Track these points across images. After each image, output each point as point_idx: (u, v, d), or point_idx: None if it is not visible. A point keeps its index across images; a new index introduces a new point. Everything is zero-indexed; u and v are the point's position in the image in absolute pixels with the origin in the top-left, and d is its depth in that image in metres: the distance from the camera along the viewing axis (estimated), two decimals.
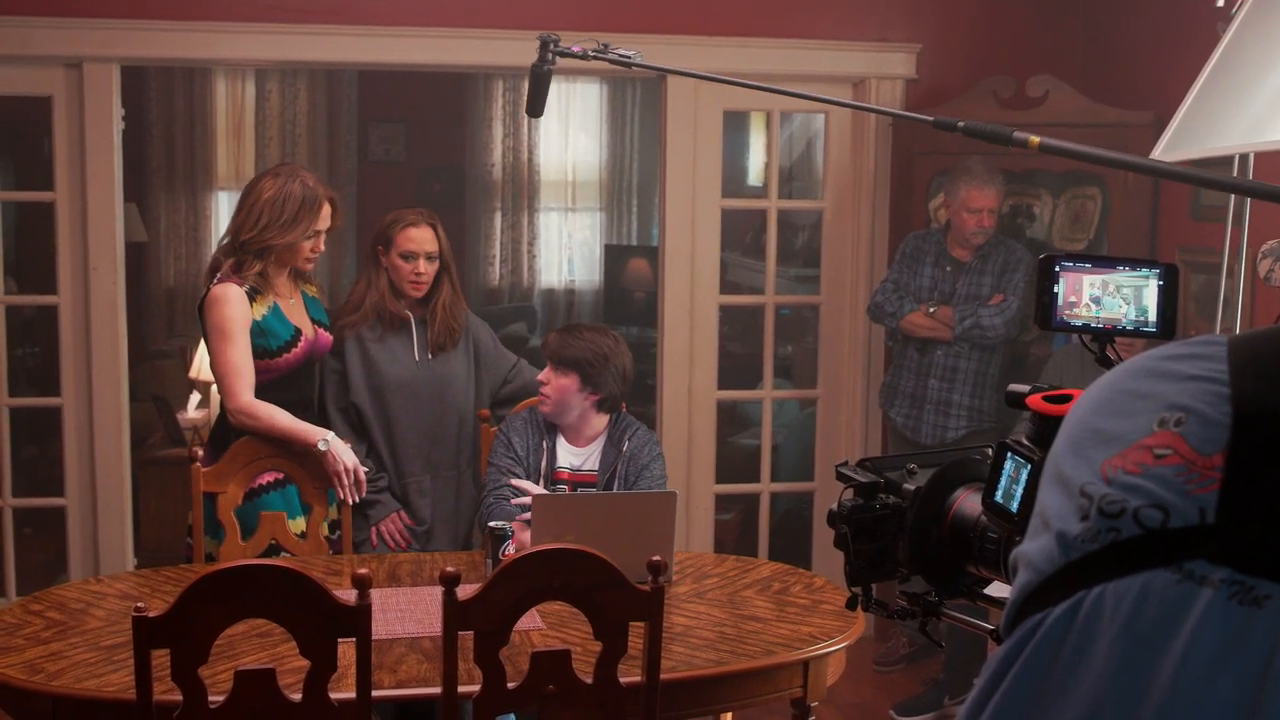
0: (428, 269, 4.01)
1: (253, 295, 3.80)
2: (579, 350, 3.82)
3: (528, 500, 3.58)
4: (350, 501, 3.87)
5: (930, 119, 2.62)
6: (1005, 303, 4.75)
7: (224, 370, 3.78)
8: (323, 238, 3.90)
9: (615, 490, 3.83)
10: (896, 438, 5.07)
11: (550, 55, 3.10)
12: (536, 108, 3.23)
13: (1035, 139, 2.35)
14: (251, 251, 3.79)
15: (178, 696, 2.53)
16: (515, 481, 3.78)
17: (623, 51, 3.03)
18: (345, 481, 3.82)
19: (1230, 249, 3.74)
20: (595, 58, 3.01)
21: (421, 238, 4.00)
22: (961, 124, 2.50)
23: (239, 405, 3.77)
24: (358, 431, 4.03)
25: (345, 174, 9.11)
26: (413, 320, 4.07)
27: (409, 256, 3.99)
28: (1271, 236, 3.83)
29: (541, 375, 3.90)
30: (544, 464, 3.85)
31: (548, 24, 5.07)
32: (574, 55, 3.03)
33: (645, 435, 3.95)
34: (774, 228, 5.56)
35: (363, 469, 3.87)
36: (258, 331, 3.80)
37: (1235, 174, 3.57)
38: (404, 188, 9.22)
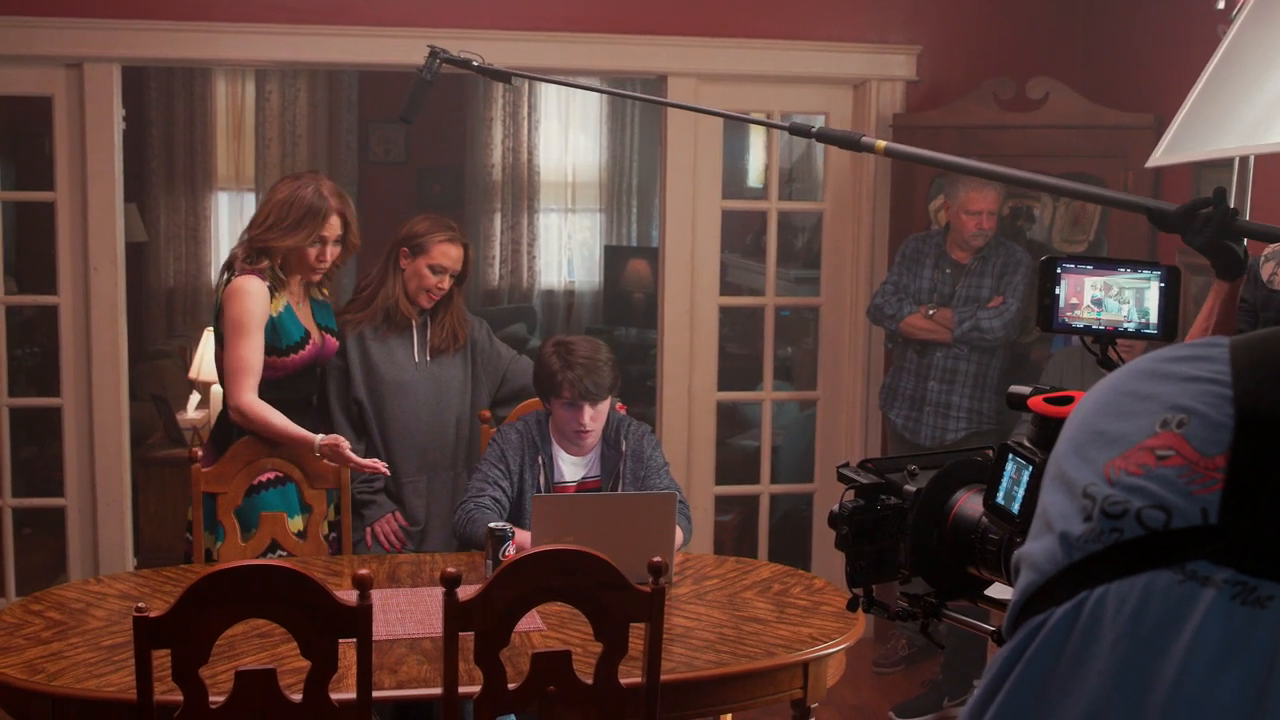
0: (448, 284, 4.04)
1: (272, 290, 3.79)
2: (609, 372, 3.81)
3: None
4: (384, 472, 3.85)
5: (786, 125, 2.75)
6: (1004, 305, 4.76)
7: (232, 365, 3.76)
8: (329, 248, 3.85)
9: (626, 489, 3.83)
10: (896, 439, 5.07)
11: (437, 64, 3.20)
12: (411, 114, 3.33)
13: (881, 144, 2.47)
14: (258, 249, 3.80)
15: (178, 697, 2.54)
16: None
17: (500, 67, 3.15)
18: (359, 459, 3.80)
19: None
20: (479, 70, 3.15)
21: (455, 256, 4.04)
22: (814, 129, 2.66)
23: (236, 403, 3.76)
24: (358, 429, 4.03)
25: (345, 174, 9.10)
26: (414, 322, 4.07)
27: (437, 270, 4.01)
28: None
29: (584, 420, 3.77)
30: (542, 479, 3.83)
31: (548, 26, 5.10)
32: (458, 64, 3.16)
33: (639, 429, 3.95)
34: (774, 229, 5.57)
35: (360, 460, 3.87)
36: (270, 328, 3.79)
37: (1235, 176, 3.57)
38: (404, 188, 9.22)
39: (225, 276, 3.83)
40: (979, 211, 4.76)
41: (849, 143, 2.57)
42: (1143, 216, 4.92)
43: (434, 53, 3.19)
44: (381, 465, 3.85)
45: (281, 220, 3.78)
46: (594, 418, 3.80)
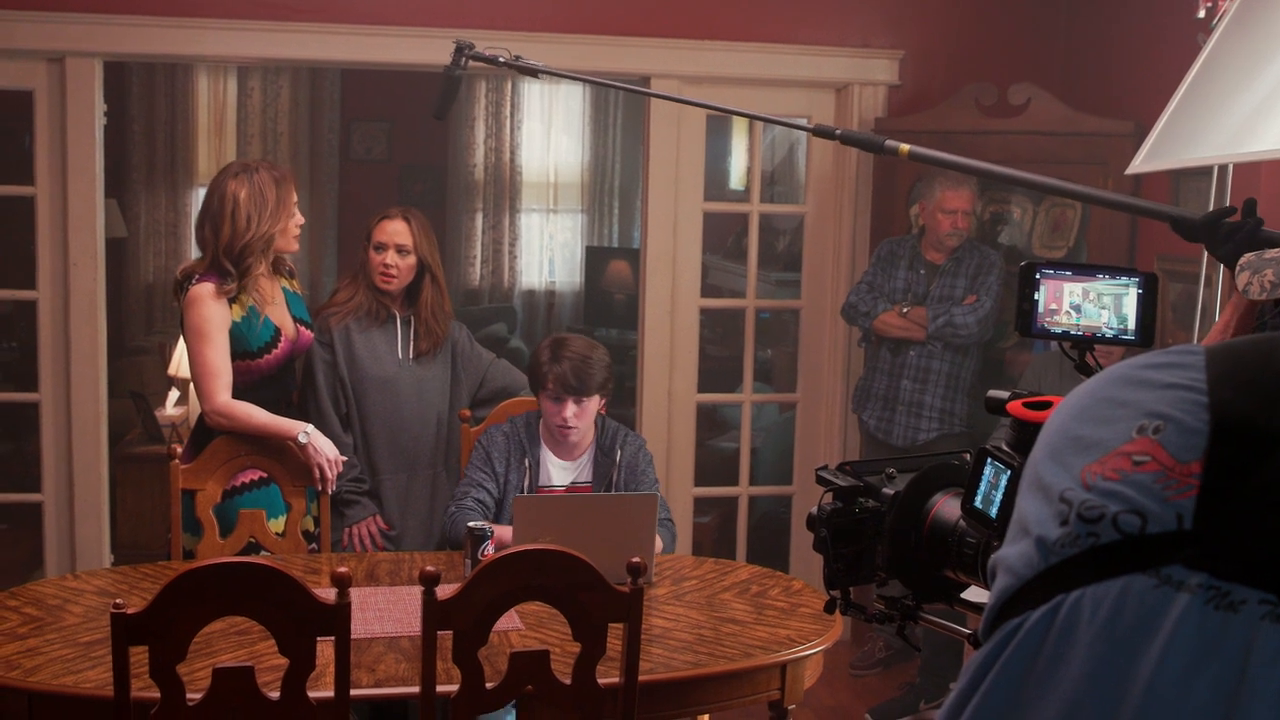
0: (397, 261, 4.01)
1: (232, 299, 3.78)
2: (598, 372, 3.79)
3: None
4: (326, 491, 3.87)
5: (810, 127, 2.75)
6: (978, 303, 4.77)
7: (201, 371, 3.76)
8: (296, 216, 3.93)
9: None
10: (869, 440, 5.08)
11: (464, 60, 3.15)
12: (443, 111, 3.28)
13: (905, 148, 2.47)
14: (251, 254, 3.76)
15: (155, 694, 2.53)
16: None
17: (533, 62, 3.09)
18: (328, 474, 3.82)
19: (1208, 258, 3.76)
20: (506, 65, 3.08)
21: (393, 229, 4.02)
22: (839, 132, 2.66)
23: (214, 406, 3.76)
24: (346, 423, 4.02)
25: (327, 172, 9.09)
26: (398, 318, 4.07)
27: (380, 248, 4.02)
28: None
29: (566, 415, 3.75)
30: (527, 481, 3.81)
31: (531, 26, 5.10)
32: (486, 60, 3.10)
33: (635, 441, 3.95)
34: (755, 231, 5.58)
35: (343, 459, 3.87)
36: (236, 333, 3.78)
37: (1214, 184, 3.60)
38: (386, 187, 9.21)
39: (183, 288, 3.81)
40: (954, 211, 4.78)
41: (873, 146, 2.58)
42: (1121, 224, 4.94)
43: (460, 48, 3.14)
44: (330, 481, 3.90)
45: (261, 212, 3.77)
46: (578, 415, 3.78)
